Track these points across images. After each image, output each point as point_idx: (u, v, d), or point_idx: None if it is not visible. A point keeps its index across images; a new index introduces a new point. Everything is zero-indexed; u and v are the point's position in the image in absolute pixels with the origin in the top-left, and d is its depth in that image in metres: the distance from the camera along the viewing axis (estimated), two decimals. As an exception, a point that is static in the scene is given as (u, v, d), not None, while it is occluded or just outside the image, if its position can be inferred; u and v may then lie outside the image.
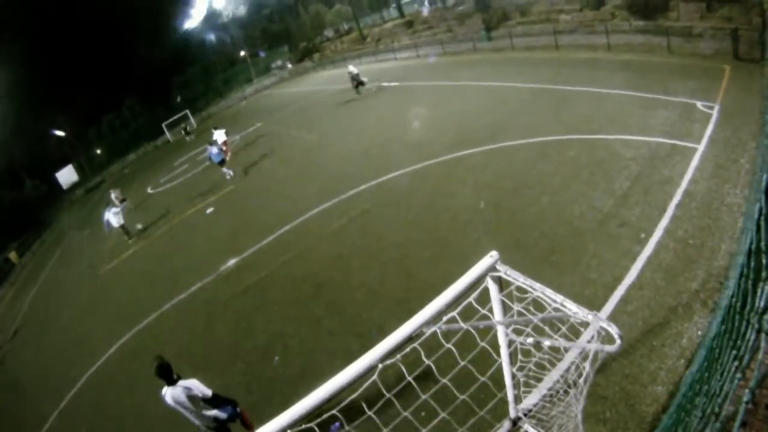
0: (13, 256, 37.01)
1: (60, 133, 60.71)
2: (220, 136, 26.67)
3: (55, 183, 60.04)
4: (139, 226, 22.73)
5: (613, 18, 25.34)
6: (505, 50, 29.23)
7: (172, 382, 6.26)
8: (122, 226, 21.66)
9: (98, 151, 66.20)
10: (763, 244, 1.67)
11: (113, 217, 21.20)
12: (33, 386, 13.28)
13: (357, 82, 30.37)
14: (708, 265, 7.09)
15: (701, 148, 10.46)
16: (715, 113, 11.93)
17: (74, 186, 60.25)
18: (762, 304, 1.72)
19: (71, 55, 67.68)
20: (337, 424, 4.69)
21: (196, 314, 12.04)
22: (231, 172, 23.45)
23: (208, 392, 6.40)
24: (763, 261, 1.66)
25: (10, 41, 58.88)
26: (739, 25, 16.47)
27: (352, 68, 30.77)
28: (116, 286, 17.28)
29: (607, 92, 15.64)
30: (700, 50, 17.74)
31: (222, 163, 23.51)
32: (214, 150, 23.20)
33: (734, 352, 2.07)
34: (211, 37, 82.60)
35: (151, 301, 13.85)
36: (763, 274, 1.67)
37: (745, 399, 1.72)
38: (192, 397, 6.27)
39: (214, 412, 6.54)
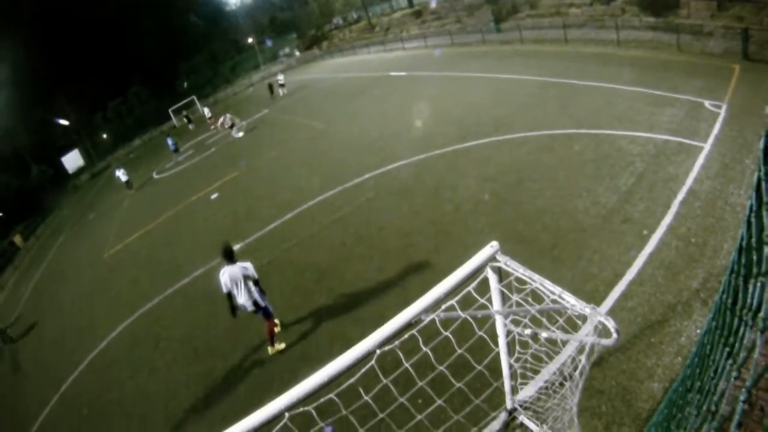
0: (17, 239, 37.25)
1: (64, 122, 60.70)
2: (207, 111, 42.54)
3: (61, 167, 60.26)
4: (241, 134, 30.47)
5: (623, 13, 25.15)
6: (514, 43, 29.08)
7: (232, 262, 8.03)
8: (127, 182, 30.56)
9: (104, 136, 66.29)
10: (753, 240, 1.69)
11: (122, 174, 30.62)
12: (35, 369, 13.42)
13: (271, 89, 41.45)
14: (710, 264, 7.09)
15: (707, 147, 10.42)
16: (722, 112, 11.87)
17: (80, 171, 60.46)
18: (755, 301, 1.74)
19: (78, 41, 67.70)
20: (331, 427, 4.76)
21: (198, 300, 12.12)
22: (180, 158, 32.79)
23: (257, 276, 8.24)
24: (754, 257, 1.68)
25: (17, 27, 58.88)
26: (750, 25, 16.34)
27: (281, 77, 41.56)
28: (120, 270, 17.39)
29: (615, 88, 15.57)
30: (709, 49, 17.62)
31: (176, 151, 33.70)
32: (170, 140, 33.79)
33: (727, 349, 2.09)
34: (219, 23, 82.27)
35: (154, 286, 13.96)
36: (754, 270, 1.70)
37: (741, 398, 1.74)
38: (245, 276, 8.04)
39: (257, 295, 8.24)
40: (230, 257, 8.04)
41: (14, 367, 14.40)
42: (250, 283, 8.16)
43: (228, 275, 7.97)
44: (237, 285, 8.04)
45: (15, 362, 14.71)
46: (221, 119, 31.68)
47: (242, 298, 8.13)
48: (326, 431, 5.14)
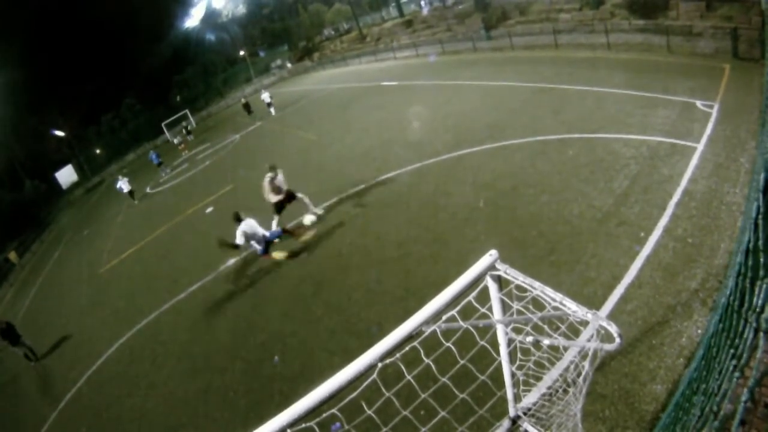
0: (12, 256, 36.96)
1: (59, 133, 60.70)
2: (177, 140, 43.51)
3: (55, 183, 60.09)
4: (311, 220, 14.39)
5: (612, 17, 25.33)
6: (505, 49, 29.23)
7: (240, 221, 11.60)
8: (130, 192, 29.84)
9: (98, 151, 66.16)
10: (761, 242, 1.67)
11: (125, 184, 29.57)
12: (32, 387, 13.27)
13: (248, 108, 39.76)
14: (707, 264, 7.09)
15: (701, 147, 10.46)
16: (714, 112, 11.93)
17: (74, 186, 60.26)
18: (760, 302, 1.72)
19: (70, 55, 67.75)
20: (337, 424, 4.69)
21: (195, 314, 12.05)
22: (167, 171, 34.30)
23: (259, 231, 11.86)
24: (761, 260, 1.66)
25: (9, 41, 58.85)
26: (739, 24, 16.47)
27: (266, 95, 37.34)
28: (116, 286, 17.29)
29: (606, 91, 15.64)
30: (699, 49, 17.74)
31: (160, 165, 34.40)
32: (154, 155, 34.94)
33: (732, 350, 2.07)
34: (211, 36, 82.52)
35: (151, 301, 13.86)
36: (761, 273, 1.67)
37: (743, 398, 1.72)
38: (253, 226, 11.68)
39: (261, 234, 11.85)
40: (239, 220, 11.59)
41: (12, 384, 14.25)
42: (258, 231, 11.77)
43: (241, 228, 11.46)
44: (247, 234, 11.48)
45: (13, 379, 14.56)
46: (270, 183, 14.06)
47: (254, 242, 11.70)
48: (334, 428, 5.10)
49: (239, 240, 11.28)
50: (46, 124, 62.05)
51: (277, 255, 12.26)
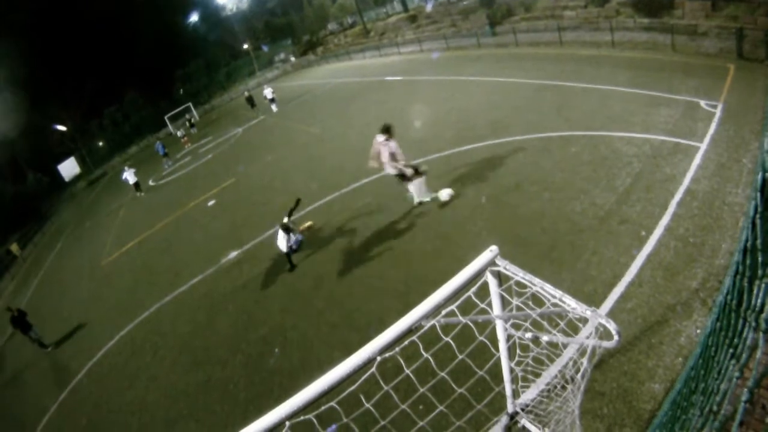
0: (14, 248, 36.96)
1: (62, 127, 60.70)
2: (180, 133, 41.68)
3: (58, 175, 60.05)
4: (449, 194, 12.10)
5: (617, 15, 25.22)
6: (509, 46, 29.16)
7: (282, 228, 11.21)
8: (136, 183, 29.25)
9: (100, 144, 66.15)
10: (758, 242, 1.67)
11: (131, 175, 28.96)
12: (33, 378, 13.33)
13: (251, 102, 38.32)
14: (708, 263, 7.09)
15: (704, 146, 10.44)
16: (718, 112, 11.89)
17: (76, 178, 60.22)
18: (759, 302, 1.72)
19: (73, 48, 67.67)
20: (334, 425, 4.71)
21: (197, 307, 12.08)
22: (170, 163, 34.47)
23: (292, 243, 11.46)
24: (759, 258, 1.66)
25: (12, 34, 58.82)
26: (744, 25, 16.40)
27: (268, 91, 35.90)
28: (117, 278, 17.32)
29: (610, 89, 15.59)
30: (704, 49, 17.67)
31: (165, 155, 34.79)
32: (160, 145, 35.19)
33: (731, 350, 2.07)
34: (214, 30, 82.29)
35: (152, 294, 13.90)
36: (760, 272, 1.67)
37: (743, 398, 1.72)
38: (286, 238, 11.18)
39: (294, 238, 11.41)
40: (285, 229, 11.23)
41: (13, 375, 14.32)
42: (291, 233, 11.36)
43: (282, 228, 11.19)
44: (285, 235, 11.16)
45: (14, 370, 14.63)
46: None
47: (284, 243, 11.27)
48: (330, 430, 5.12)
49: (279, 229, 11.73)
50: (49, 117, 62.02)
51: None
